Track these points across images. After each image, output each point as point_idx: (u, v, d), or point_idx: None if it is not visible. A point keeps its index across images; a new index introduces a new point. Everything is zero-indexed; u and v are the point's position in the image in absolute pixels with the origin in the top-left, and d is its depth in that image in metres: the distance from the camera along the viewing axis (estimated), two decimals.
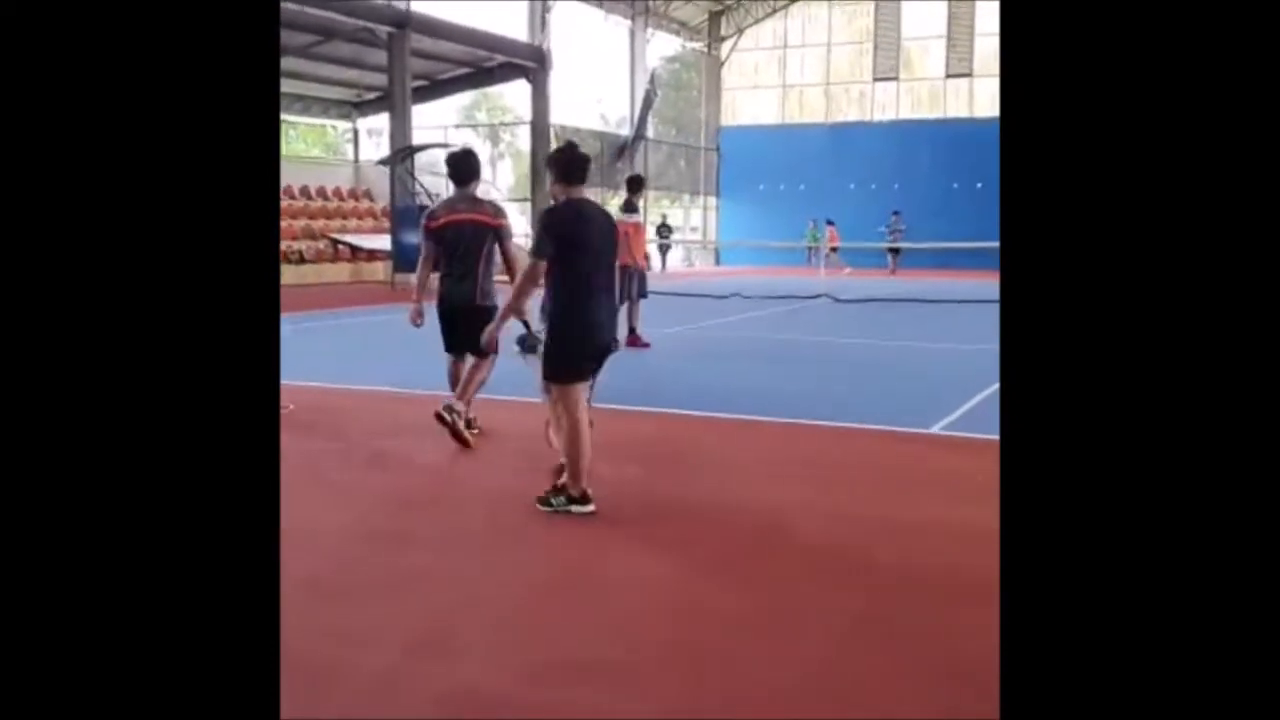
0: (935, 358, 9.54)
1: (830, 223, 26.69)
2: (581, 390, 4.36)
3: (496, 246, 5.57)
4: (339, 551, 3.81)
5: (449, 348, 5.73)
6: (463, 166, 5.54)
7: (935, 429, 6.09)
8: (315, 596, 3.27)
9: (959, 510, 4.34)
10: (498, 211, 5.71)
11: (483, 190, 6.21)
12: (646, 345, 9.81)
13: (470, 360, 5.62)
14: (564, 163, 4.31)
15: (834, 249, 25.66)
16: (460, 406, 5.49)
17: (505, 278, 5.40)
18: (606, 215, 4.50)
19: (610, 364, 4.54)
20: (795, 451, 5.70)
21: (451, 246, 5.50)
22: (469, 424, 5.58)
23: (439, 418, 5.39)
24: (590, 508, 4.24)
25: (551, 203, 4.41)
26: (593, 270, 4.27)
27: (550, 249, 4.20)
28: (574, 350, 4.30)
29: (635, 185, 10.57)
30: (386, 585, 3.43)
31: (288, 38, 17.42)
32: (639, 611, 3.24)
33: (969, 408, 6.61)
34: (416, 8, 19.16)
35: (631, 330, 9.85)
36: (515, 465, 5.26)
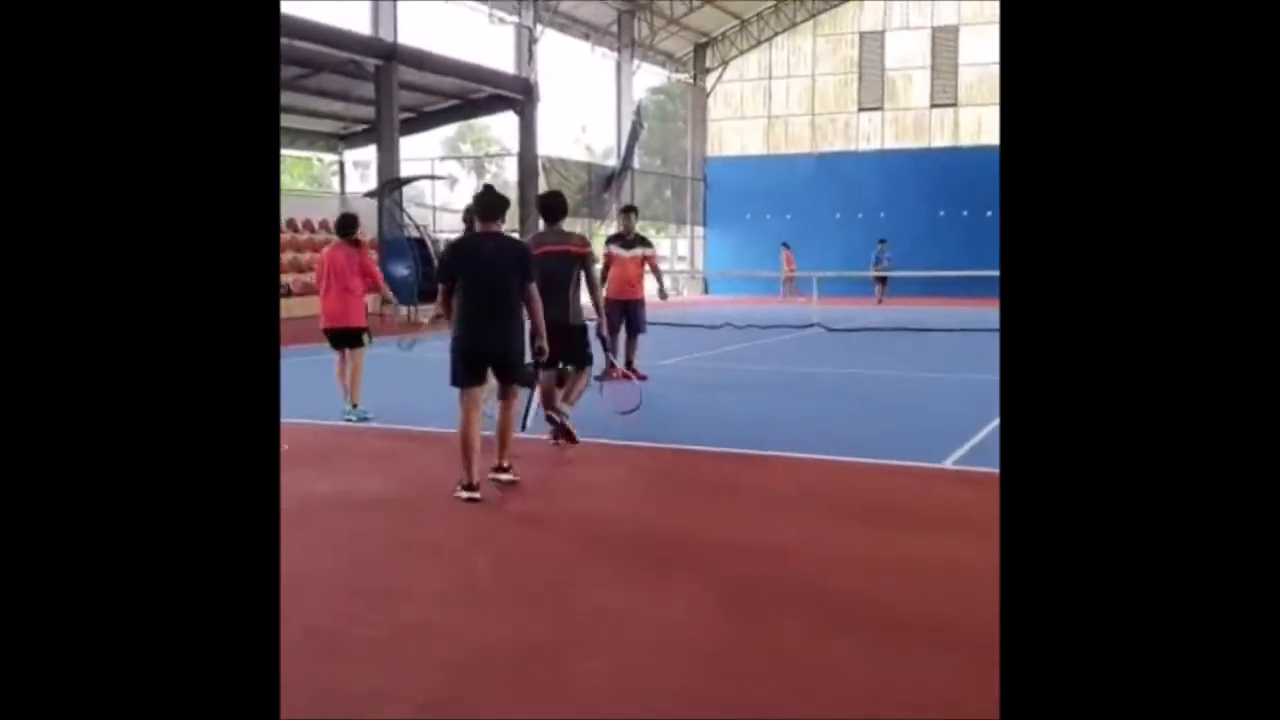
0: (937, 388, 9.42)
1: (785, 245, 26.70)
2: (475, 394, 5.17)
3: (583, 272, 6.45)
4: (336, 603, 3.60)
5: (544, 363, 6.29)
6: (552, 206, 6.49)
7: (947, 463, 5.94)
8: (312, 653, 3.07)
9: (979, 550, 4.18)
10: (583, 242, 6.68)
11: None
12: (643, 378, 9.65)
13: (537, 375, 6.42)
14: (478, 200, 5.32)
15: (790, 277, 25.63)
16: (566, 409, 6.39)
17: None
18: (512, 246, 5.37)
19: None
20: (805, 488, 5.53)
21: (544, 275, 5.98)
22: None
23: (550, 420, 6.35)
24: (475, 495, 5.01)
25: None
26: (481, 294, 5.14)
27: (445, 274, 5.21)
28: (455, 361, 5.18)
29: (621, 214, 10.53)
30: (387, 640, 3.23)
31: None
32: (651, 663, 3.05)
33: (979, 440, 6.47)
34: (404, 40, 19.12)
35: (628, 364, 9.70)
36: (522, 511, 5.08)
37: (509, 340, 5.21)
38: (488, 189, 5.56)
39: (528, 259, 5.34)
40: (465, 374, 5.19)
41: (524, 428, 5.54)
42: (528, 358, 5.61)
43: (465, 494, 5.04)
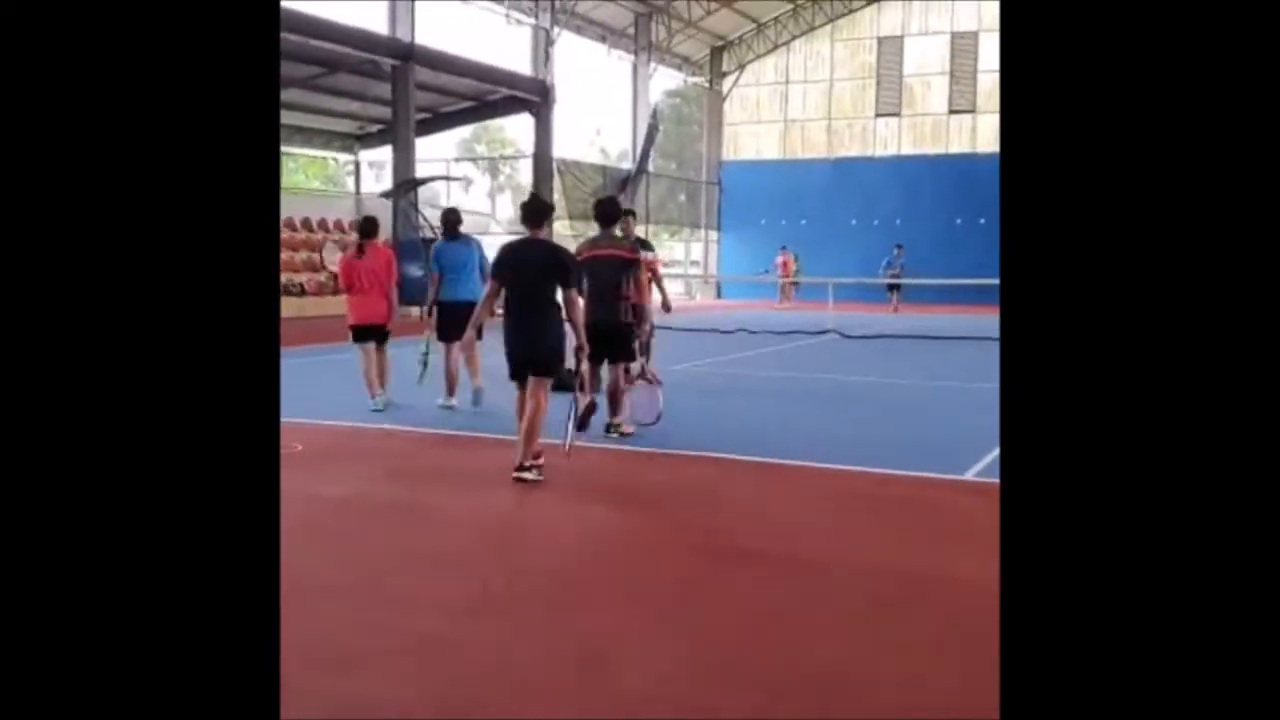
0: (956, 397, 9.29)
1: (784, 249, 26.67)
2: (527, 387, 5.60)
3: (630, 277, 6.79)
4: (348, 614, 3.52)
5: (592, 357, 6.52)
6: (606, 211, 6.93)
7: (969, 475, 5.83)
8: (322, 665, 2.99)
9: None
10: (633, 248, 7.03)
11: (478, 224, 8.20)
12: (659, 384, 9.57)
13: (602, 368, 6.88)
14: (525, 208, 5.77)
15: (792, 282, 25.63)
16: (619, 419, 6.89)
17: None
18: (551, 251, 5.73)
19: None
20: (819, 497, 5.44)
21: (596, 276, 6.55)
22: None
23: (608, 429, 6.82)
24: (528, 476, 5.40)
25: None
26: (520, 297, 5.57)
27: (496, 272, 5.66)
28: (507, 356, 5.65)
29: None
30: (402, 653, 3.15)
31: (291, 69, 17.32)
32: (668, 680, 2.96)
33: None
34: (421, 40, 19.11)
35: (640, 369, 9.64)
36: (532, 520, 5.00)
37: (545, 341, 5.57)
38: (534, 196, 6.09)
39: (565, 264, 5.62)
40: (512, 369, 5.69)
41: (567, 444, 5.74)
42: (569, 363, 5.85)
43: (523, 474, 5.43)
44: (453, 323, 7.83)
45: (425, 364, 8.32)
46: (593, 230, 7.15)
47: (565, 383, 6.31)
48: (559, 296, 5.63)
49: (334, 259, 16.57)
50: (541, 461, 5.59)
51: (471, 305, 7.62)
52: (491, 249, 6.71)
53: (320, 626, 3.29)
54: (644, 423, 7.15)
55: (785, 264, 26.57)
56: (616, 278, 6.68)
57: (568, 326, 5.72)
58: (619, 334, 6.74)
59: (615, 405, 6.89)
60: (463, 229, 8.55)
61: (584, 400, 5.98)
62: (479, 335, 6.05)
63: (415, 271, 17.47)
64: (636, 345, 7.21)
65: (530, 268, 5.55)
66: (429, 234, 18.05)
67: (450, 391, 8.06)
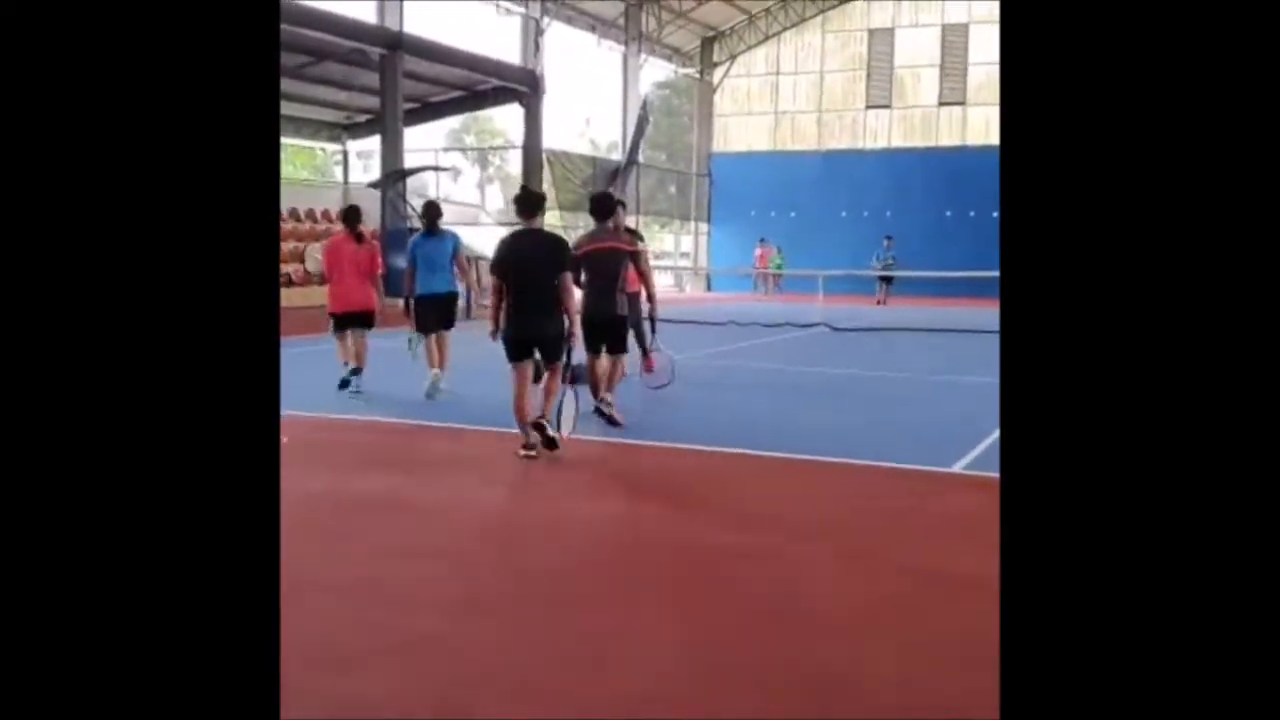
0: (944, 390, 9.31)
1: (763, 241, 26.68)
2: (524, 368, 5.90)
3: (632, 267, 7.04)
4: (339, 612, 3.49)
5: (591, 348, 6.91)
6: (601, 205, 7.09)
7: (956, 468, 5.83)
8: (314, 664, 2.97)
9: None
10: (632, 239, 7.39)
11: (469, 215, 8.38)
12: (650, 371, 9.57)
13: (605, 358, 7.03)
14: (519, 201, 6.11)
15: (771, 274, 25.71)
16: (610, 398, 6.93)
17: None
18: (547, 241, 6.00)
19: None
20: (816, 492, 5.43)
21: (595, 270, 6.72)
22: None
23: (598, 411, 6.87)
24: (530, 453, 5.77)
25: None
26: (523, 285, 5.81)
27: (497, 269, 5.87)
28: (507, 342, 5.90)
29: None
30: (395, 651, 3.12)
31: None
32: (667, 679, 2.94)
33: (989, 444, 6.36)
34: (409, 29, 18.97)
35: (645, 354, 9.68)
36: (523, 514, 4.97)
37: (548, 325, 5.88)
38: (526, 188, 6.38)
39: (562, 252, 5.93)
40: (514, 352, 5.92)
41: (557, 426, 5.94)
42: (577, 358, 6.20)
43: (524, 452, 5.80)
44: (430, 314, 8.20)
45: (414, 350, 8.49)
46: (583, 220, 7.28)
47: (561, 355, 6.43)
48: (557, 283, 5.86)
49: (317, 259, 16.53)
50: (538, 434, 5.78)
51: (444, 297, 8.24)
52: (481, 239, 6.84)
53: (320, 626, 3.26)
54: (659, 385, 7.92)
55: (763, 256, 26.60)
56: (616, 270, 6.86)
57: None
58: (615, 325, 6.95)
59: (609, 384, 7.01)
60: (452, 219, 8.68)
61: (601, 387, 6.69)
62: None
63: (402, 263, 17.38)
64: (633, 332, 7.51)
65: (531, 256, 5.82)
66: (417, 224, 17.97)
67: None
